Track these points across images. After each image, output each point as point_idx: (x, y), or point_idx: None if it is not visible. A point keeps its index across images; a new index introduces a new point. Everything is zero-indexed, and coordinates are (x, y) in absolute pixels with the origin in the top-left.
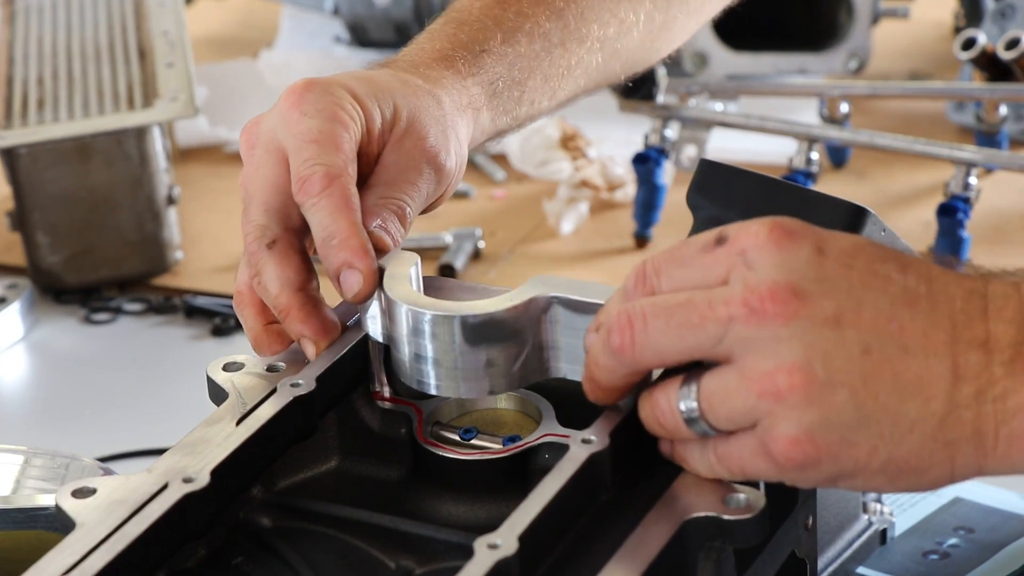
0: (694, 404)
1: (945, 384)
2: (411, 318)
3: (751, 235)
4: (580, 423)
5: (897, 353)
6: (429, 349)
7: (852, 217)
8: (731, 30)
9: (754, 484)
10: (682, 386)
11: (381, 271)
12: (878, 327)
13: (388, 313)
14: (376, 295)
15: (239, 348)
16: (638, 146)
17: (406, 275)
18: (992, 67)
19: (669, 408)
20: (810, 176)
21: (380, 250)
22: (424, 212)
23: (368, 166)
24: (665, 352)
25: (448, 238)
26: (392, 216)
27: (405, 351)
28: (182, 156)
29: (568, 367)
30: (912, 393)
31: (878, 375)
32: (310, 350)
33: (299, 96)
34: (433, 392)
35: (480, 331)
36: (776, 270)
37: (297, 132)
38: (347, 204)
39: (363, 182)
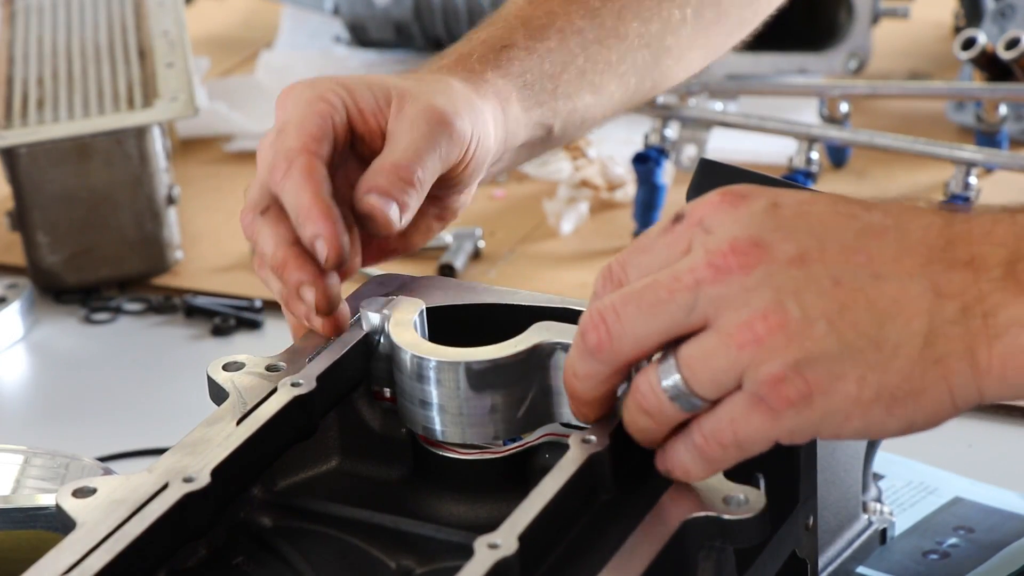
0: (676, 376)
1: (925, 303)
2: (416, 364)
3: (705, 203)
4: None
5: (869, 280)
6: (434, 395)
7: None
8: None
9: (754, 484)
10: (661, 363)
11: (386, 317)
12: (845, 259)
13: (393, 359)
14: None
15: (239, 348)
16: (638, 146)
17: (410, 321)
18: (992, 67)
19: (651, 389)
20: (810, 176)
21: (375, 220)
22: (452, 186)
23: (376, 142)
24: (643, 337)
25: (448, 238)
26: (398, 181)
27: (410, 397)
28: (183, 147)
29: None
30: (891, 316)
31: (852, 304)
32: (309, 296)
33: (283, 95)
34: (439, 438)
35: (485, 377)
36: (734, 227)
37: (273, 127)
38: (307, 179)
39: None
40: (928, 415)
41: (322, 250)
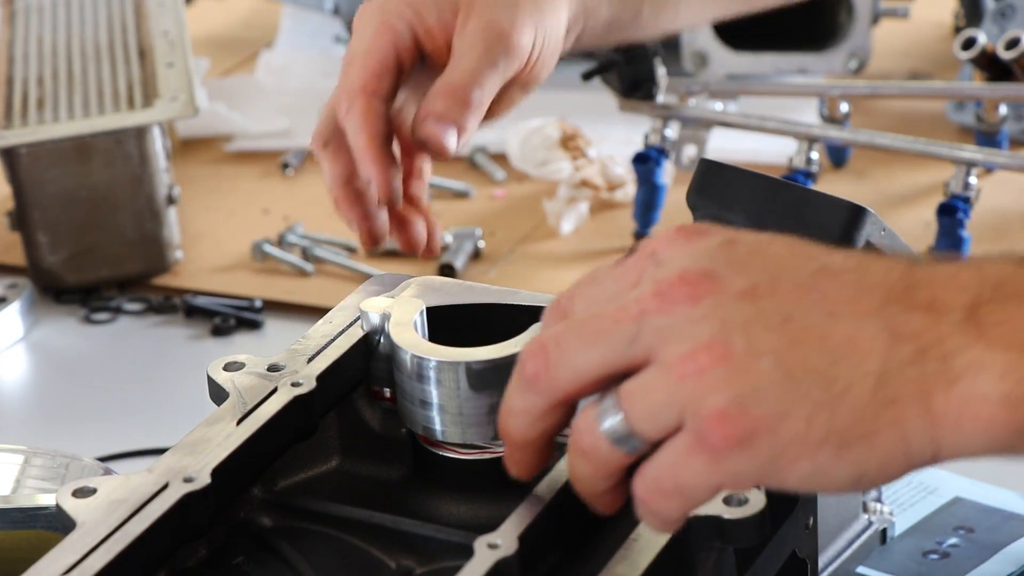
0: (618, 416)
1: (880, 343)
2: (416, 364)
3: (660, 237)
4: None
5: (822, 318)
6: (434, 395)
7: (852, 217)
8: (731, 30)
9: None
10: (602, 400)
11: (387, 317)
12: (798, 296)
13: (393, 359)
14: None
15: (239, 348)
16: (638, 146)
17: (410, 321)
18: (992, 67)
19: (588, 428)
20: (810, 176)
21: (431, 146)
22: (516, 86)
23: (444, 57)
24: (582, 367)
25: (448, 238)
26: (455, 105)
27: (410, 397)
28: (183, 147)
29: None
30: (843, 354)
31: (803, 340)
32: (357, 230)
33: (357, 18)
34: (439, 438)
35: (485, 377)
36: (685, 259)
37: (347, 50)
38: (364, 121)
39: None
40: (881, 462)
41: (374, 192)
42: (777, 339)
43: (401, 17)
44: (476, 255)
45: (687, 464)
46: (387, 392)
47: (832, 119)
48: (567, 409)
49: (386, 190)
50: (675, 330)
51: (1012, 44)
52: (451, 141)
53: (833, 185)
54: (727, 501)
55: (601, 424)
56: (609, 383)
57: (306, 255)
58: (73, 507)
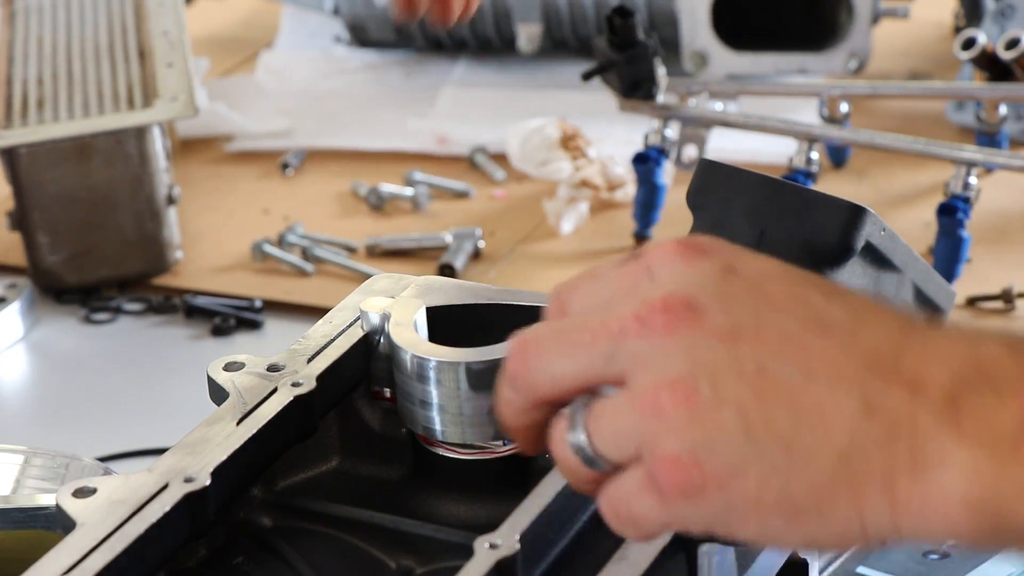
0: (582, 435)
1: (851, 417)
2: (416, 364)
3: (660, 249)
4: None
5: (797, 377)
6: (434, 395)
7: (852, 217)
8: (731, 30)
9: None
10: (573, 413)
11: (387, 317)
12: (779, 348)
13: (393, 359)
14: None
15: (239, 348)
16: (638, 146)
17: (410, 321)
18: (992, 67)
19: (560, 441)
20: (810, 176)
21: None
22: None
23: None
24: (558, 376)
25: (448, 238)
26: None
27: (410, 397)
28: (183, 147)
29: None
30: (810, 421)
31: (772, 398)
32: None
33: None
34: (439, 438)
35: (485, 377)
36: (675, 282)
37: None
38: None
39: None
40: (833, 536)
41: None
42: (745, 391)
43: None
44: (476, 255)
45: (639, 498)
46: (387, 392)
47: (832, 119)
48: (550, 408)
49: None
50: (648, 358)
51: (1012, 44)
52: None
53: (833, 185)
54: None
55: (569, 438)
56: (589, 390)
57: (306, 255)
58: (73, 507)
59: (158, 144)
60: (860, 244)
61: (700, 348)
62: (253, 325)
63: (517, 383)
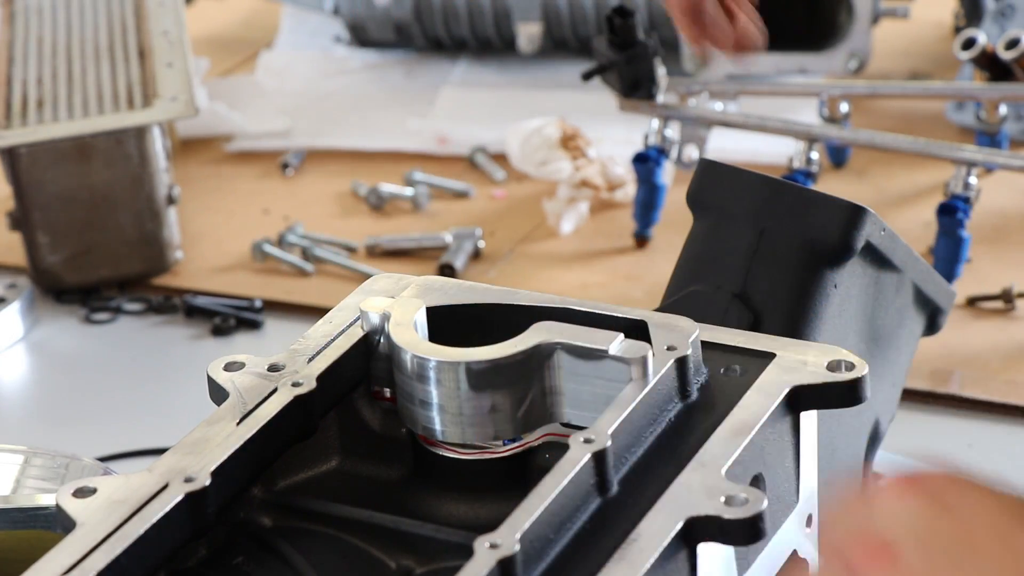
0: None
1: None
2: (416, 364)
3: (889, 486)
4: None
5: None
6: (434, 395)
7: (852, 216)
8: None
9: (754, 484)
10: None
11: (387, 317)
12: None
13: (393, 359)
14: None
15: (239, 348)
16: (638, 146)
17: (410, 321)
18: (992, 67)
19: None
20: (810, 176)
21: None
22: None
23: None
24: None
25: (448, 238)
26: None
27: (410, 397)
28: (183, 147)
29: (572, 412)
30: None
31: None
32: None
33: None
34: (439, 438)
35: (485, 377)
36: (887, 522)
37: None
38: None
39: None
40: None
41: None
42: None
43: None
44: (476, 255)
45: None
46: (387, 392)
47: (832, 119)
48: None
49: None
50: None
51: (1012, 44)
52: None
53: (833, 185)
54: (727, 501)
55: None
56: None
57: (306, 255)
58: (73, 507)
59: (158, 144)
60: (860, 244)
61: None
62: (253, 325)
63: None
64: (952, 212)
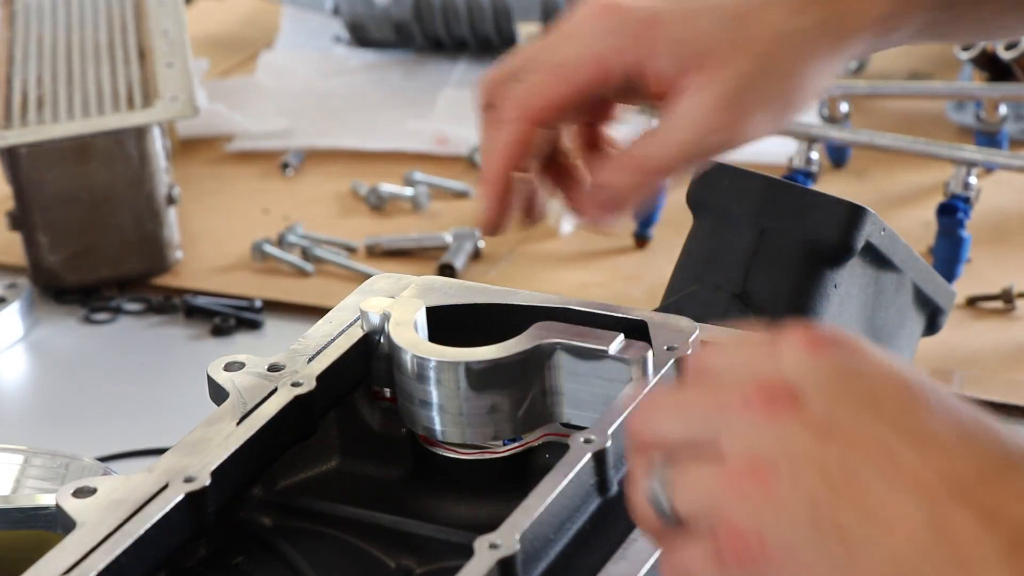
0: (661, 487)
1: (915, 528)
2: (416, 364)
3: (795, 335)
4: None
5: (876, 482)
6: (434, 395)
7: (852, 216)
8: None
9: None
10: (658, 465)
11: (387, 317)
12: (867, 452)
13: (393, 359)
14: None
15: (239, 348)
16: None
17: (410, 321)
18: (992, 67)
19: (639, 485)
20: (810, 176)
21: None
22: None
23: (653, 96)
24: (664, 432)
25: (448, 238)
26: (639, 183)
27: (410, 397)
28: (183, 147)
29: (572, 412)
30: (873, 522)
31: (846, 497)
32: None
33: (578, 16)
34: (439, 438)
35: (484, 377)
36: (791, 369)
37: (551, 34)
38: (507, 148)
39: None
40: None
41: (480, 217)
42: (823, 486)
43: (621, 55)
44: (476, 255)
45: (702, 562)
46: (387, 392)
47: (832, 119)
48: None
49: (489, 223)
50: (743, 436)
51: (1012, 44)
52: (614, 222)
53: (833, 185)
54: None
55: (649, 486)
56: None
57: (306, 255)
58: (73, 507)
59: (158, 144)
60: (860, 244)
61: (792, 437)
62: (253, 325)
63: (630, 435)
64: (952, 212)
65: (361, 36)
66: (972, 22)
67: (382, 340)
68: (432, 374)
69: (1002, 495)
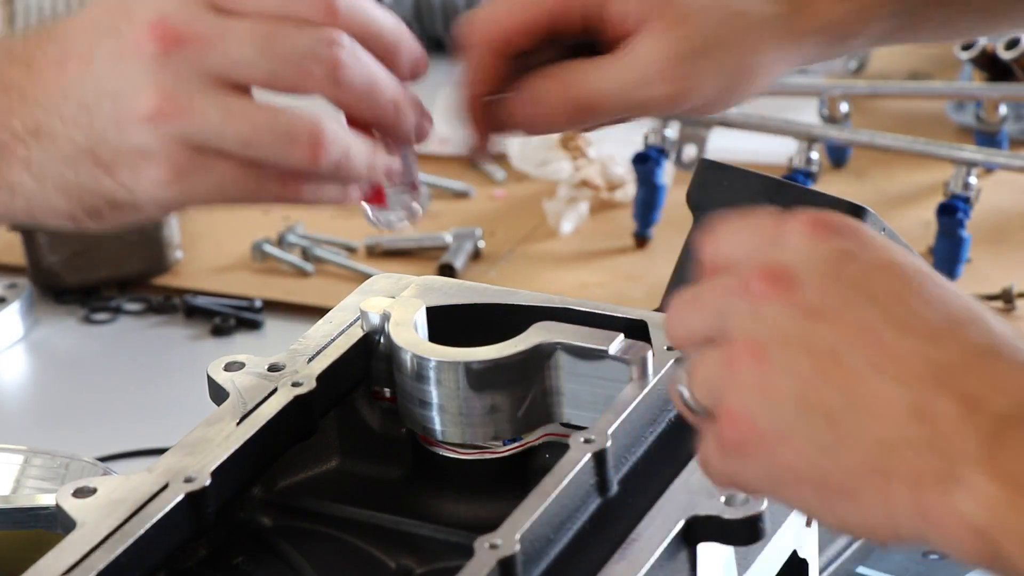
0: (684, 382)
1: (899, 413)
2: (416, 364)
3: (799, 220)
4: None
5: (862, 365)
6: (434, 395)
7: (852, 216)
8: None
9: None
10: (684, 362)
11: (387, 317)
12: (854, 335)
13: (393, 359)
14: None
15: (239, 348)
16: (638, 146)
17: (410, 321)
18: (992, 67)
19: (672, 385)
20: (810, 176)
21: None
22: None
23: (606, 42)
24: (692, 330)
25: (448, 238)
26: (569, 119)
27: (410, 397)
28: None
29: (572, 412)
30: (859, 406)
31: (832, 378)
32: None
33: None
34: (439, 438)
35: (485, 377)
36: (791, 254)
37: None
38: (474, 74)
39: None
40: (863, 524)
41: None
42: (810, 366)
43: None
44: (476, 255)
45: (710, 448)
46: (387, 392)
47: (832, 119)
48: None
49: (468, 148)
50: (742, 319)
51: (1012, 44)
52: (498, 144)
53: (833, 185)
54: (727, 501)
55: (677, 385)
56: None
57: (306, 255)
58: (73, 507)
59: None
60: None
61: (784, 318)
62: (253, 325)
63: (667, 332)
64: (952, 212)
65: None
66: (937, 25)
67: (382, 340)
68: (432, 374)
69: (985, 383)
